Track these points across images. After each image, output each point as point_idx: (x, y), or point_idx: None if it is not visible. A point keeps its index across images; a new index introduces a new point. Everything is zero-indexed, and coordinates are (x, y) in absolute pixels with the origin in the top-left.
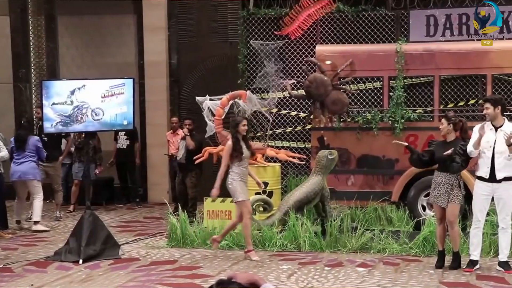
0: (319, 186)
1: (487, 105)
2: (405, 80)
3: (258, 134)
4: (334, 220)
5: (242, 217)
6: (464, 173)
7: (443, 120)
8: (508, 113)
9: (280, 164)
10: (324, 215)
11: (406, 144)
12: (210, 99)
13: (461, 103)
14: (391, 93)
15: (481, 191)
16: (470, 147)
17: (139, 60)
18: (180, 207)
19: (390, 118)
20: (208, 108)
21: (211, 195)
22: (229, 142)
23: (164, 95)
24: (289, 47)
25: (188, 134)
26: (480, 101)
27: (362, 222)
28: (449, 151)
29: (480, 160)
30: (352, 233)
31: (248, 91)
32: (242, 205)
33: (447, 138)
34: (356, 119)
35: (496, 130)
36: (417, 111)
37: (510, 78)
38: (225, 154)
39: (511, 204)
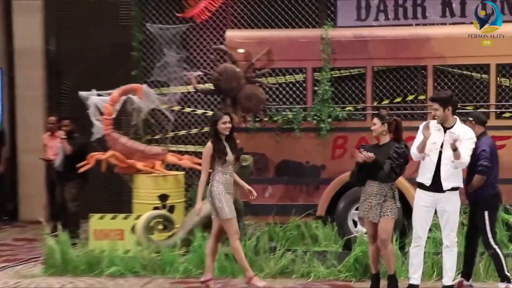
0: None
1: (436, 105)
2: (332, 72)
3: (157, 136)
4: (249, 239)
5: (219, 238)
6: (401, 181)
7: (375, 119)
8: (461, 110)
9: (183, 172)
10: None
11: (372, 155)
12: (98, 95)
13: (398, 100)
14: (316, 88)
15: (422, 202)
16: (413, 149)
17: (7, 47)
18: (59, 225)
19: (315, 117)
20: (95, 105)
21: (196, 213)
22: (209, 143)
23: (40, 89)
24: (194, 32)
25: (65, 137)
26: (420, 97)
27: (282, 241)
28: (367, 155)
29: (422, 164)
30: (270, 255)
31: (145, 85)
32: (228, 224)
33: (380, 140)
34: (275, 119)
35: (445, 131)
36: (346, 109)
37: (454, 70)
38: (204, 157)
39: (456, 218)
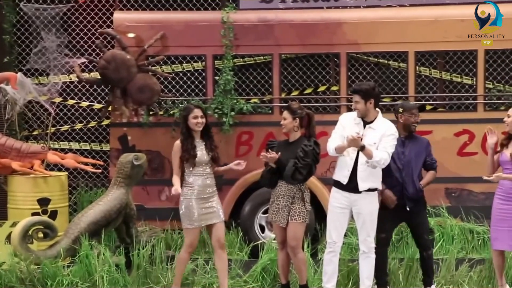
0: (122, 202)
1: (357, 97)
2: (235, 60)
3: (36, 132)
4: (143, 248)
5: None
6: (313, 181)
7: (285, 113)
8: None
9: (66, 173)
10: (129, 241)
11: (275, 155)
12: None
13: (309, 91)
14: (217, 77)
15: (336, 203)
16: (331, 144)
17: None
18: None
19: (216, 111)
20: None
21: (174, 192)
22: (177, 141)
23: None
24: (77, 14)
25: None
26: (332, 88)
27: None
28: (269, 155)
29: (340, 160)
30: (167, 265)
31: (19, 73)
32: (185, 233)
33: (290, 136)
34: (171, 112)
35: (364, 126)
36: (251, 101)
37: (370, 58)
38: (172, 157)
39: (373, 221)
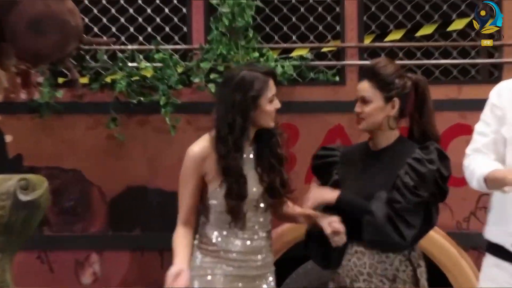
0: None
1: None
2: None
3: None
4: None
5: None
6: (436, 240)
7: (365, 85)
8: None
9: None
10: None
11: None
12: None
13: (425, 31)
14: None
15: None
16: (474, 166)
17: None
18: None
19: (214, 76)
20: None
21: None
22: (195, 148)
23: None
24: None
25: None
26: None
27: None
28: (334, 225)
29: (498, 199)
30: None
31: None
32: None
33: (376, 138)
34: (120, 82)
35: None
36: (292, 55)
37: None
38: (181, 182)
39: None
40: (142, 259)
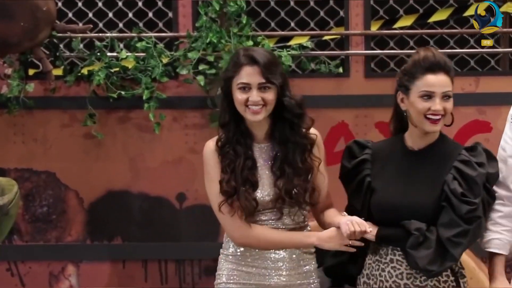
0: None
1: None
2: None
3: None
4: None
5: None
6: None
7: (442, 75)
8: None
9: None
10: None
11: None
12: None
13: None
14: None
15: None
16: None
17: None
18: None
19: (203, 68)
20: None
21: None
22: (209, 142)
23: None
24: None
25: None
26: None
27: None
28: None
29: None
30: None
31: None
32: None
33: (416, 136)
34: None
35: None
36: (291, 44)
37: None
38: (206, 178)
39: None
40: (123, 271)
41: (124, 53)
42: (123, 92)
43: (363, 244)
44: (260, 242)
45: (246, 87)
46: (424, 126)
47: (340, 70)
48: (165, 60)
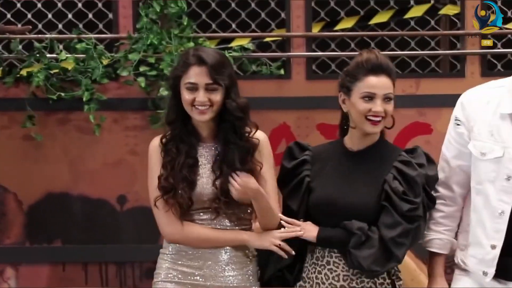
0: None
1: None
2: None
3: None
4: None
5: None
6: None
7: (384, 77)
8: None
9: None
10: None
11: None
12: None
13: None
14: None
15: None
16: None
17: None
18: None
19: (144, 70)
20: None
21: None
22: (155, 140)
23: None
24: None
25: None
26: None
27: None
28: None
29: (471, 210)
30: None
31: None
32: None
33: (356, 138)
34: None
35: None
36: (233, 45)
37: None
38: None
39: None
40: (63, 274)
41: (64, 55)
42: (63, 94)
43: (292, 252)
44: (192, 239)
45: (193, 87)
46: (365, 127)
47: (282, 72)
48: (105, 62)
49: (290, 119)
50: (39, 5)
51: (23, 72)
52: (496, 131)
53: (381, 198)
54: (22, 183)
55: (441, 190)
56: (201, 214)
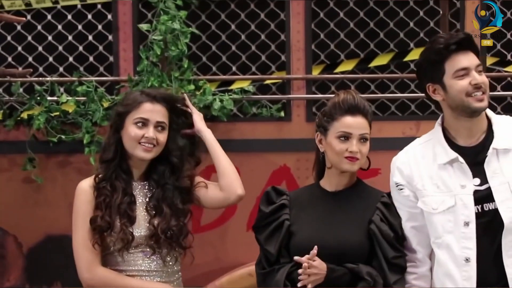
0: None
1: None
2: None
3: None
4: None
5: None
6: None
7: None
8: None
9: None
10: None
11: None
12: None
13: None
14: (143, 25)
15: None
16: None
17: None
18: None
19: None
20: None
21: None
22: (84, 181)
23: None
24: None
25: None
26: None
27: None
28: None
29: (439, 268)
30: None
31: None
32: None
33: (335, 178)
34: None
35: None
36: (233, 88)
37: None
38: (75, 217)
39: None
40: None
41: (65, 97)
42: (63, 136)
43: None
44: (107, 284)
45: (144, 123)
46: (342, 165)
47: (282, 114)
48: (106, 104)
49: (290, 161)
50: (40, 48)
51: (24, 115)
52: (441, 182)
53: (367, 238)
54: (22, 226)
55: (408, 253)
56: (134, 253)
